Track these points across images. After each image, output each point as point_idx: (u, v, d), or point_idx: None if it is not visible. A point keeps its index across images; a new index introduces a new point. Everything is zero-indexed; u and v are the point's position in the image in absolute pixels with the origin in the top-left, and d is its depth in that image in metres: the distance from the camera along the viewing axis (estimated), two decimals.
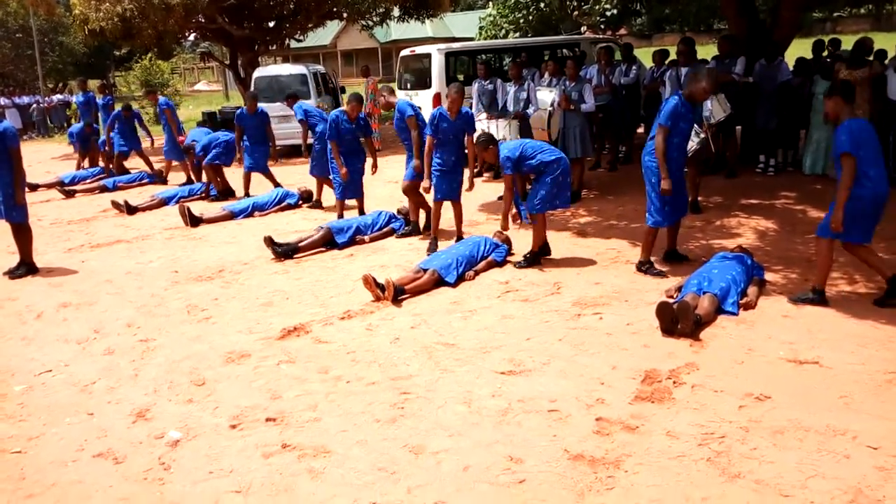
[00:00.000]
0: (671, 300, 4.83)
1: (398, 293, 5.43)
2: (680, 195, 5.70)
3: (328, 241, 7.08)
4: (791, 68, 9.20)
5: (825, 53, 10.20)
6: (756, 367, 4.05)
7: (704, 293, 4.85)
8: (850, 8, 35.13)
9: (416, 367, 4.31)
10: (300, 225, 8.26)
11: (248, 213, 8.88)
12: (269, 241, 6.78)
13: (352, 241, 7.17)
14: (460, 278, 5.77)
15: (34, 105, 23.49)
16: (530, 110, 8.39)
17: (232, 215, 8.79)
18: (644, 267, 5.74)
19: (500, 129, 8.21)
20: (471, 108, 9.34)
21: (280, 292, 5.85)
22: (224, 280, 6.29)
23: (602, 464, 3.19)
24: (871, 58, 8.60)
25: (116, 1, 14.05)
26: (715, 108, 7.50)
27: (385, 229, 7.48)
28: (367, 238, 7.25)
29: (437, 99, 11.31)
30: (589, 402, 3.75)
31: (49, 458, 3.56)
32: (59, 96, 24.20)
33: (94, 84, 20.15)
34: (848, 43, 10.81)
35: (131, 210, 9.43)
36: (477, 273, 5.94)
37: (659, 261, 5.89)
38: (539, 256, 6.15)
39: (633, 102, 10.68)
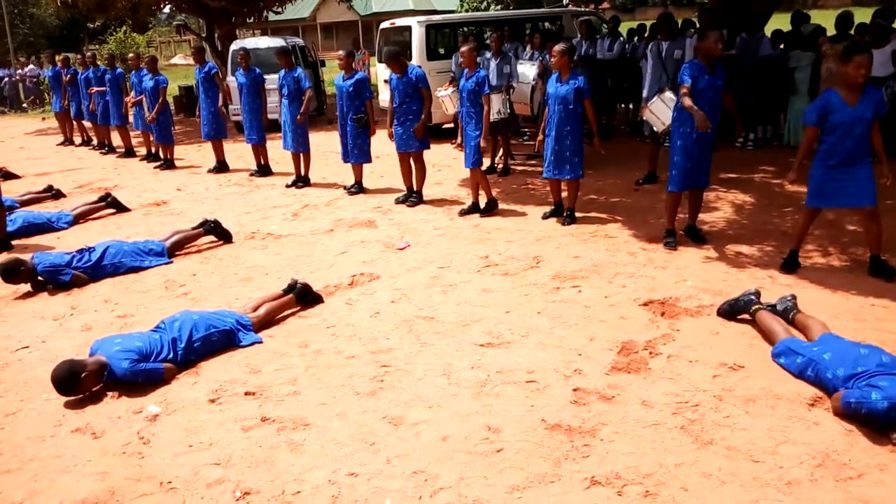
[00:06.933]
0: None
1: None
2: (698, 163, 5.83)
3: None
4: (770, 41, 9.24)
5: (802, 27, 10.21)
6: (730, 337, 4.12)
7: None
8: None
9: (395, 340, 4.32)
10: (280, 201, 8.21)
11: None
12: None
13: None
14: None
15: (5, 79, 22.94)
16: (514, 83, 8.35)
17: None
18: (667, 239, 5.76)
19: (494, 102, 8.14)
20: (452, 81, 9.27)
21: (259, 267, 5.83)
22: (202, 256, 6.25)
23: (578, 433, 3.24)
24: (852, 32, 8.63)
25: None
26: None
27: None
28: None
29: None
30: (566, 373, 3.79)
31: (26, 433, 3.55)
32: (30, 68, 23.62)
33: (74, 57, 19.56)
34: (829, 18, 10.85)
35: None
36: None
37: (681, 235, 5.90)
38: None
39: (615, 77, 10.66)
